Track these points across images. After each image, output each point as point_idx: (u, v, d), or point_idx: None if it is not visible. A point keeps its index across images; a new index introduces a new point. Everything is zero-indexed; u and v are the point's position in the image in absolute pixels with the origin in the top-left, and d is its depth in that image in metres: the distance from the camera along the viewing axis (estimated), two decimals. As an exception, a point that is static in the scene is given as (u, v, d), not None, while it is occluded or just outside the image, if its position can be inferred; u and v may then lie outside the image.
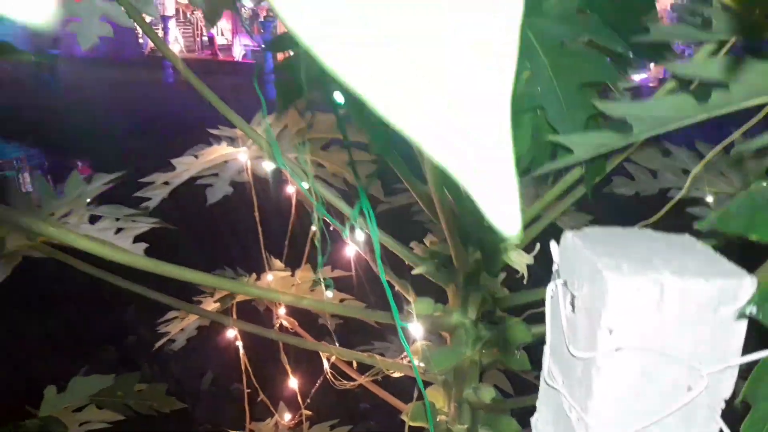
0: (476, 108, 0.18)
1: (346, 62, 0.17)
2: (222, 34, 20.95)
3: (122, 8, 1.12)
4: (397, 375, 1.49)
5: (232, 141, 1.67)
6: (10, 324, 3.41)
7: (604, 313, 0.48)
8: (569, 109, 0.84)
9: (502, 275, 1.28)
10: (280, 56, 1.15)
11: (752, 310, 0.48)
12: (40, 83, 16.21)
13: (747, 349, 0.50)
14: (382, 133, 1.09)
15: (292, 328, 1.84)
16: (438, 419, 1.29)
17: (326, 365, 1.68)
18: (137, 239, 1.21)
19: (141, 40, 20.37)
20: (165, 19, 18.99)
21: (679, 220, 0.88)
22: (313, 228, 1.38)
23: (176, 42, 20.18)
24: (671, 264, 0.49)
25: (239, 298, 1.75)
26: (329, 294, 1.65)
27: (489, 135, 0.17)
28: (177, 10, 21.91)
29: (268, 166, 1.61)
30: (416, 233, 1.51)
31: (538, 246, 1.02)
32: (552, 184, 1.19)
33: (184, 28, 21.71)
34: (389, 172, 1.26)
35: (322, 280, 1.56)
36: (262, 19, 18.54)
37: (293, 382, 1.89)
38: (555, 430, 0.58)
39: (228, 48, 20.57)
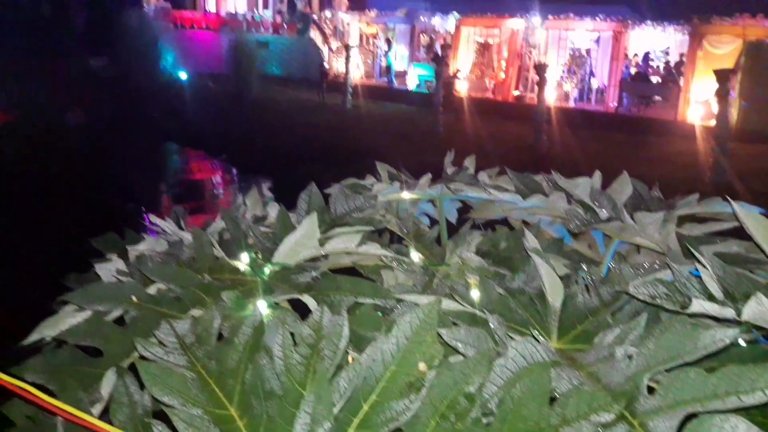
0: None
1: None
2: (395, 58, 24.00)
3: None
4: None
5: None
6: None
7: None
8: None
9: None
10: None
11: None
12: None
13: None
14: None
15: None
16: None
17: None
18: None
19: (326, 65, 23.63)
20: (348, 47, 21.51)
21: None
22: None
23: (357, 68, 23.27)
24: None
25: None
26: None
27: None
28: (361, 37, 25.50)
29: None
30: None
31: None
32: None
33: (365, 56, 25.16)
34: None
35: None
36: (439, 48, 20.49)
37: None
38: None
39: (403, 75, 23.42)
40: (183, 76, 24.13)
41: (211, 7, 31.22)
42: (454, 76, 19.89)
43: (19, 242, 9.73)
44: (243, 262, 1.49)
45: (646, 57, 19.50)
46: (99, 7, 26.15)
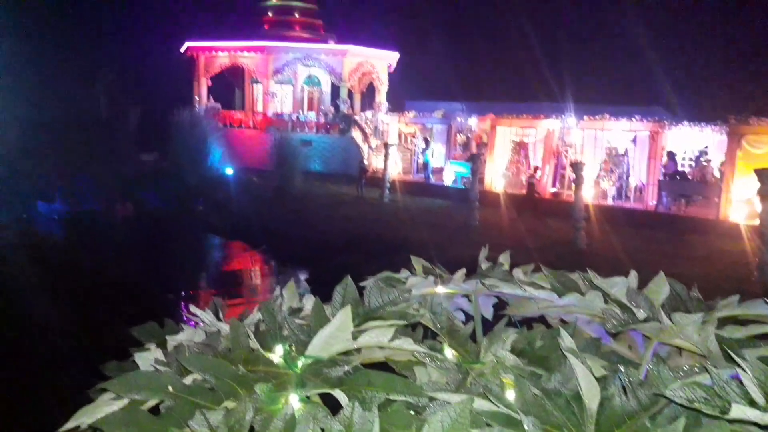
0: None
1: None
2: (432, 155, 25.02)
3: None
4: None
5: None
6: None
7: None
8: None
9: None
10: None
11: None
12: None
13: None
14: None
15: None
16: None
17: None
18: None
19: (366, 162, 24.97)
20: (387, 146, 22.79)
21: None
22: None
23: (396, 165, 24.47)
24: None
25: None
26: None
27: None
28: (399, 136, 27.04)
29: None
30: None
31: None
32: None
33: (403, 154, 26.39)
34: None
35: None
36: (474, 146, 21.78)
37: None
38: None
39: (440, 172, 24.34)
40: (229, 171, 25.13)
41: (258, 107, 32.92)
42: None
43: (61, 329, 9.92)
44: (277, 354, 1.50)
45: (672, 156, 19.46)
46: (152, 105, 27.84)
